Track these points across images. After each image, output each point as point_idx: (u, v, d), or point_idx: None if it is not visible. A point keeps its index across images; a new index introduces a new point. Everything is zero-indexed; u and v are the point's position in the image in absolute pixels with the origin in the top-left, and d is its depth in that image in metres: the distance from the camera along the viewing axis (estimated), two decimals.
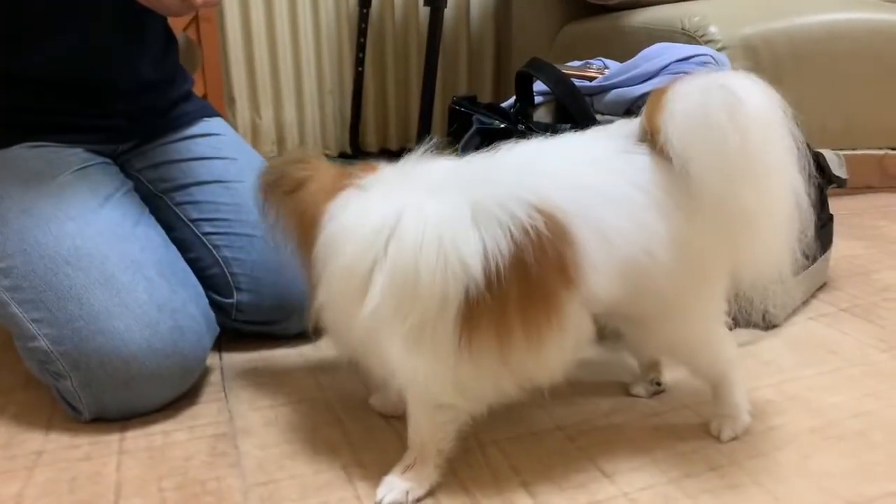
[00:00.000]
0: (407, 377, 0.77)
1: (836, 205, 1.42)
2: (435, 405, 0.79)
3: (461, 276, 0.72)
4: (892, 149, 2.12)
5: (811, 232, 0.81)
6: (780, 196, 0.77)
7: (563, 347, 0.77)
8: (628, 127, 0.82)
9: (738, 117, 0.72)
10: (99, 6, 1.06)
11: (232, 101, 2.40)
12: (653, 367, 1.03)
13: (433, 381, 0.76)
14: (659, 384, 1.03)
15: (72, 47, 1.06)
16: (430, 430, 0.81)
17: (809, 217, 0.80)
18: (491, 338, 0.74)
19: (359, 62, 2.37)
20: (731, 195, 0.74)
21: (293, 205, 0.84)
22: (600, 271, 0.75)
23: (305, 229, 0.82)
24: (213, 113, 1.30)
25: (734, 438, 0.91)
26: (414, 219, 0.74)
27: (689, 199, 0.75)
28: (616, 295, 0.77)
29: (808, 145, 1.31)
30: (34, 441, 0.94)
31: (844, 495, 0.81)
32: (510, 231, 0.72)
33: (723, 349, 0.89)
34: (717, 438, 0.92)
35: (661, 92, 0.78)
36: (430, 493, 0.82)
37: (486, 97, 2.66)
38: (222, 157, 1.22)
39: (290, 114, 2.47)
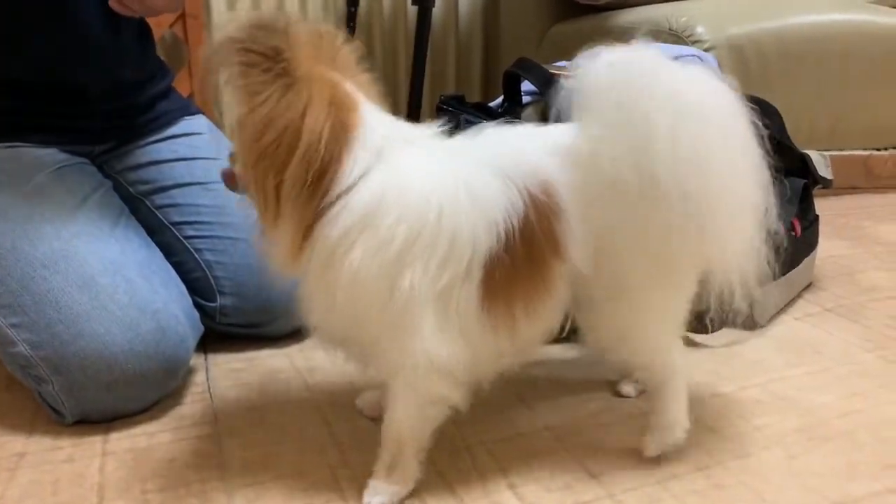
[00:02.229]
0: (428, 357, 0.74)
1: (821, 205, 1.43)
2: (430, 398, 0.78)
3: (490, 230, 0.72)
4: (878, 150, 2.13)
5: (779, 229, 0.79)
6: (727, 189, 0.73)
7: (550, 317, 0.80)
8: None
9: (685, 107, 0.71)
10: (75, 4, 1.05)
11: (221, 104, 2.38)
12: None
13: (454, 355, 0.74)
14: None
15: (45, 46, 1.05)
16: (416, 425, 0.80)
17: (772, 211, 0.77)
18: (501, 303, 0.75)
19: None
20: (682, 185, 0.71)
21: (268, 103, 0.69)
22: (579, 244, 0.75)
23: (283, 150, 0.70)
24: (194, 111, 1.29)
25: (659, 455, 0.87)
26: (453, 181, 0.74)
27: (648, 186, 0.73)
28: (588, 271, 0.77)
29: (794, 146, 1.32)
30: (16, 443, 0.93)
31: (831, 495, 0.81)
32: (522, 193, 0.73)
33: (671, 355, 0.86)
34: (643, 451, 0.87)
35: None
36: (415, 491, 0.81)
37: (474, 96, 2.65)
38: (203, 157, 1.20)
39: None
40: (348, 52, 0.79)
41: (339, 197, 0.71)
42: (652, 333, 0.85)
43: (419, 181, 0.74)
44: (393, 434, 0.80)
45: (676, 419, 0.87)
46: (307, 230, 0.72)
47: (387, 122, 0.77)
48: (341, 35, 0.78)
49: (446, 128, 0.81)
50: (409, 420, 0.80)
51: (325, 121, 0.70)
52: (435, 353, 0.74)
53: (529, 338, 0.81)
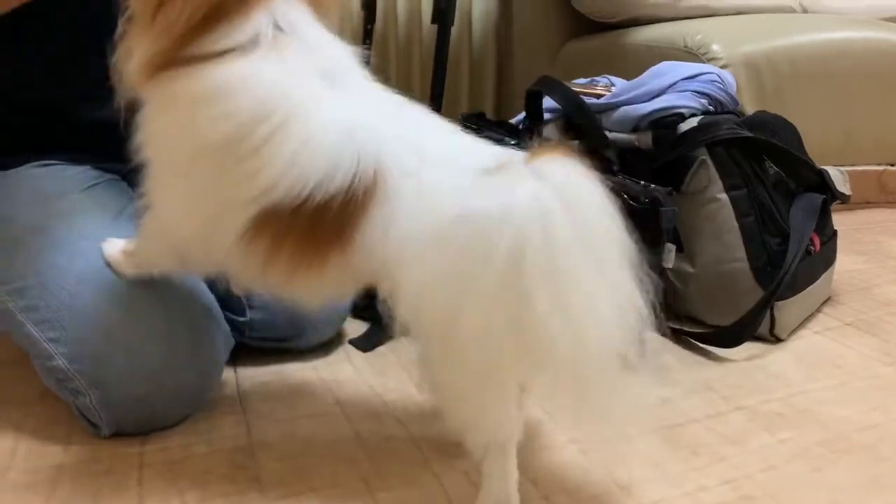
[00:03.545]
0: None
1: (836, 219, 1.44)
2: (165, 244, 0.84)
3: (298, 178, 0.69)
4: (891, 164, 2.15)
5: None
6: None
7: (318, 291, 0.78)
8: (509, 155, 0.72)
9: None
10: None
11: None
12: None
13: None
14: None
15: (92, 75, 1.06)
16: (147, 252, 0.89)
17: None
18: (264, 249, 0.73)
19: None
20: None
21: None
22: (369, 247, 0.71)
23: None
24: None
25: None
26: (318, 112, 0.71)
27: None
28: (383, 279, 0.73)
29: (812, 162, 1.34)
30: (55, 455, 0.94)
31: None
32: (361, 164, 0.70)
33: (489, 419, 0.73)
34: None
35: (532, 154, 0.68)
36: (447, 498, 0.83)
37: (488, 113, 2.68)
38: None
39: None
40: None
41: (210, 55, 0.69)
42: (465, 385, 0.71)
43: (291, 87, 0.70)
44: (135, 244, 0.90)
45: (500, 501, 0.77)
46: (166, 62, 0.70)
47: (313, 28, 0.75)
48: None
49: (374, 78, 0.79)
50: (143, 246, 0.89)
51: None
52: (176, 228, 0.79)
53: (293, 291, 0.79)
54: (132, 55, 0.72)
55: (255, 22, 0.70)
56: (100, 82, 1.05)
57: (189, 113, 0.71)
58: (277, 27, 0.71)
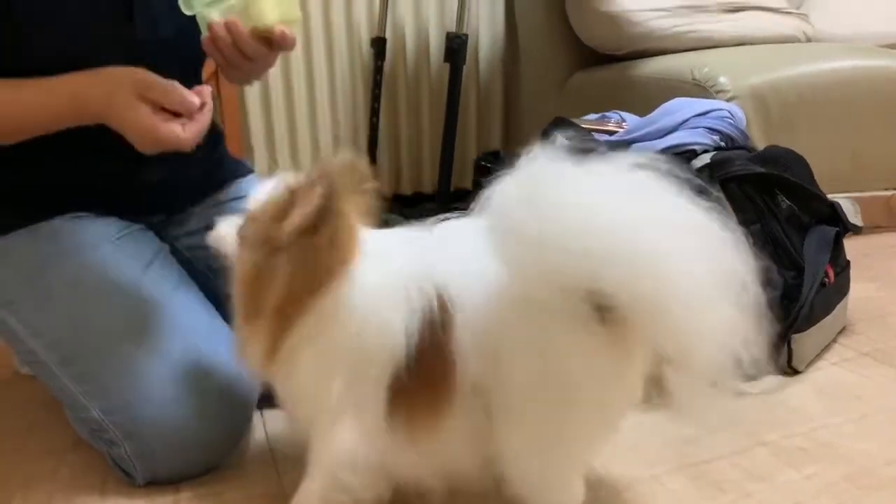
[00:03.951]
0: (338, 456, 0.81)
1: (846, 245, 1.46)
2: (335, 488, 0.84)
3: (393, 351, 0.76)
4: None
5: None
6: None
7: (461, 434, 0.78)
8: None
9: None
10: None
11: (250, 150, 2.45)
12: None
13: (363, 459, 0.81)
14: None
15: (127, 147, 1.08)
16: (318, 495, 0.86)
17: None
18: (404, 417, 0.78)
19: (374, 112, 2.43)
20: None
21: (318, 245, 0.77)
22: (471, 357, 0.75)
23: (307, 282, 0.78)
24: (246, 171, 1.33)
25: None
26: (368, 294, 0.79)
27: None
28: (487, 384, 0.76)
29: (824, 194, 1.36)
30: (91, 503, 0.96)
31: None
32: (424, 308, 0.76)
33: (559, 491, 0.81)
34: None
35: None
36: None
37: (494, 146, 2.71)
38: None
39: (306, 162, 2.52)
40: (367, 183, 0.85)
41: (311, 305, 0.79)
42: (537, 463, 0.78)
43: (355, 300, 0.79)
44: (302, 489, 0.87)
45: None
46: (279, 333, 0.80)
47: (374, 239, 0.83)
48: (364, 165, 0.84)
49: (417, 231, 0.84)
50: (313, 487, 0.86)
51: (337, 264, 0.78)
52: (345, 455, 0.81)
53: (440, 455, 0.80)
54: (249, 346, 0.82)
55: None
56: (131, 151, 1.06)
57: (305, 352, 0.80)
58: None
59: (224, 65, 1.00)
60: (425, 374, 0.76)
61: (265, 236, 0.78)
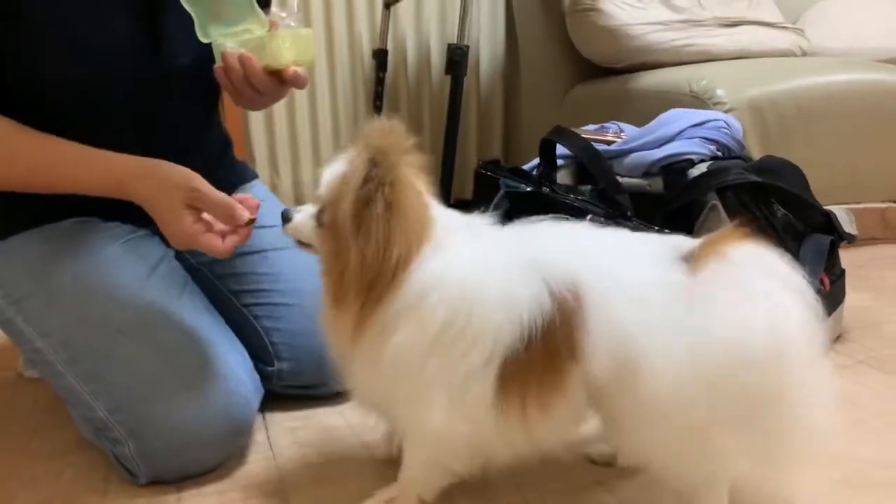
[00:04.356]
0: (436, 434, 0.82)
1: (841, 256, 1.47)
2: (433, 465, 0.86)
3: (514, 328, 0.76)
4: (894, 202, 2.19)
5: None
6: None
7: (567, 418, 0.82)
8: (681, 242, 0.82)
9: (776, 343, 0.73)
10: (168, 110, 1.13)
11: (252, 161, 2.47)
12: None
13: (460, 438, 0.81)
14: None
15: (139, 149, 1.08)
16: (419, 481, 0.89)
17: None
18: (516, 399, 0.79)
19: None
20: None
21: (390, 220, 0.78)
22: (597, 355, 0.76)
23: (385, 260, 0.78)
24: (251, 176, 1.35)
25: None
26: (485, 272, 0.80)
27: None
28: (606, 383, 0.78)
29: (819, 204, 1.38)
30: (94, 502, 0.97)
31: None
32: (551, 293, 0.77)
33: (697, 469, 0.81)
34: None
35: (716, 242, 0.79)
36: None
37: (494, 155, 2.74)
38: (261, 225, 1.26)
39: (307, 174, 2.54)
40: (409, 143, 0.84)
41: (400, 279, 0.79)
42: (670, 459, 0.80)
43: (459, 272, 0.80)
44: (402, 479, 0.90)
45: None
46: (369, 311, 0.80)
47: (446, 214, 0.85)
48: (402, 127, 0.84)
49: (496, 218, 0.87)
50: (413, 475, 0.89)
51: (412, 239, 0.79)
52: (443, 433, 0.81)
53: (545, 435, 0.83)
54: (336, 329, 0.84)
55: (422, 254, 0.80)
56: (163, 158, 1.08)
57: (399, 329, 0.79)
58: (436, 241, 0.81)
59: (234, 94, 1.04)
60: (547, 360, 0.77)
61: (334, 218, 0.80)
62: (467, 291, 0.79)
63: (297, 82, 1.00)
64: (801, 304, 0.75)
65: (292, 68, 0.98)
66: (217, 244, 0.93)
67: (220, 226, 0.95)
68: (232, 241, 0.94)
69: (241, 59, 0.97)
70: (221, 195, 0.94)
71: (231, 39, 0.98)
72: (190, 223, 0.92)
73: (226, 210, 0.93)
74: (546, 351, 0.77)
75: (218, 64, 0.99)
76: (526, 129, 2.54)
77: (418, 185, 0.83)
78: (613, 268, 0.79)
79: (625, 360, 0.76)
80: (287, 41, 0.97)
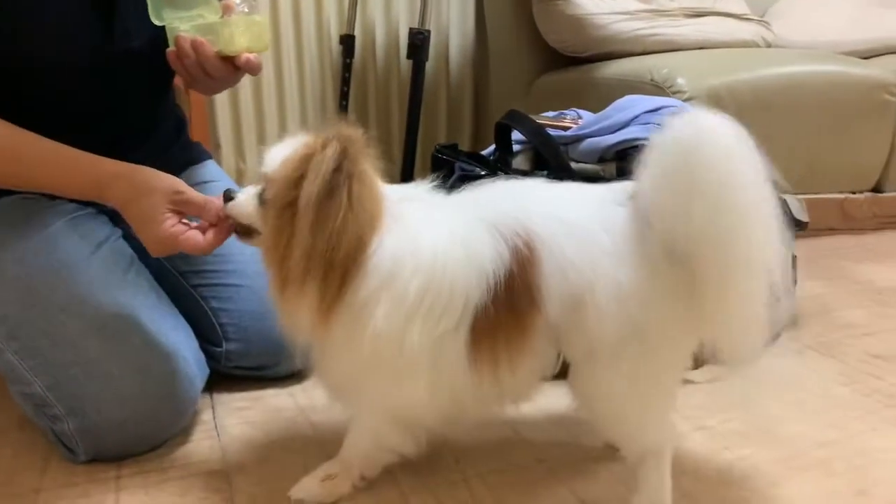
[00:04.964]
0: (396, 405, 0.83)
1: (800, 246, 1.49)
2: (382, 445, 0.89)
3: (481, 282, 0.77)
4: (853, 192, 2.22)
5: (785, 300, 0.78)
6: (750, 260, 0.73)
7: (533, 368, 0.83)
8: (628, 186, 0.81)
9: (703, 170, 0.71)
10: (115, 117, 1.12)
11: (217, 147, 2.45)
12: None
13: (431, 409, 0.83)
14: None
15: (103, 131, 1.09)
16: (362, 460, 0.90)
17: (785, 283, 0.77)
18: (486, 352, 0.79)
19: (342, 109, 2.44)
20: (697, 251, 0.72)
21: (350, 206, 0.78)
22: (553, 299, 0.78)
23: (347, 244, 0.78)
24: (204, 157, 1.34)
25: None
26: (450, 234, 0.80)
27: (654, 256, 0.75)
28: (563, 327, 0.79)
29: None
30: (32, 480, 0.96)
31: None
32: (508, 244, 0.78)
33: (650, 430, 0.83)
34: None
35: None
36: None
37: (464, 144, 2.74)
38: None
39: None
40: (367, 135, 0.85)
41: (362, 262, 0.78)
42: (630, 405, 0.82)
43: (427, 238, 0.80)
44: (344, 456, 0.91)
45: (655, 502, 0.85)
46: (333, 297, 0.79)
47: (398, 191, 0.85)
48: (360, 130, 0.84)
49: (438, 182, 0.87)
50: (358, 452, 0.91)
51: (366, 223, 0.79)
52: (427, 402, 0.82)
53: (513, 387, 0.84)
54: (293, 313, 0.81)
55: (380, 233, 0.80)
56: (117, 139, 1.07)
57: (378, 306, 0.78)
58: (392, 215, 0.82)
59: (186, 77, 1.03)
60: (510, 311, 0.78)
61: (287, 199, 0.79)
62: (438, 256, 0.79)
63: (251, 68, 1.00)
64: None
65: (245, 55, 0.98)
66: (199, 240, 0.92)
67: (195, 223, 0.94)
68: (213, 235, 0.92)
69: (195, 45, 0.97)
70: (203, 195, 0.94)
71: (185, 23, 0.98)
72: (170, 226, 0.91)
73: (210, 206, 0.92)
74: (509, 303, 0.78)
75: (171, 48, 0.99)
76: (494, 117, 2.49)
77: (376, 177, 0.83)
78: (561, 213, 0.80)
79: (576, 300, 0.77)
80: (241, 27, 0.98)
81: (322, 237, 0.77)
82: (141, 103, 1.18)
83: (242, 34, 0.98)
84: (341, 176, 0.77)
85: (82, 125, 1.01)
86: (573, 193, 0.85)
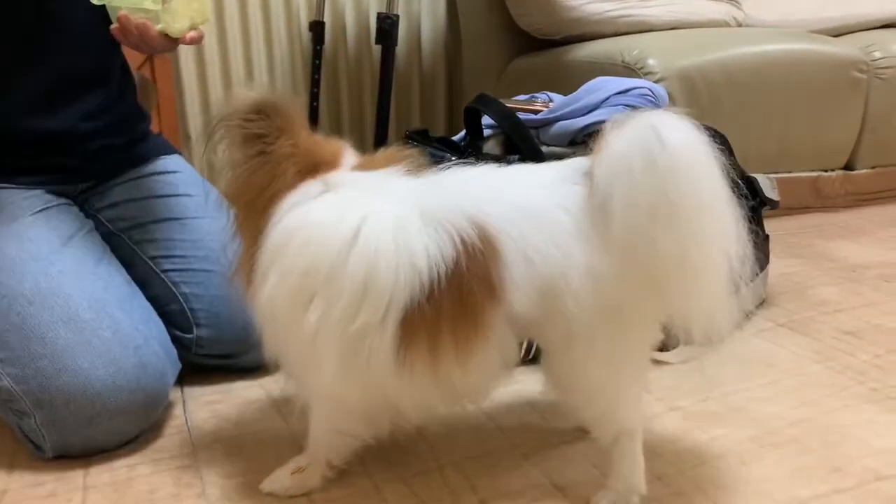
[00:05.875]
0: (327, 392, 0.83)
1: (773, 225, 1.50)
2: (334, 429, 0.88)
3: (410, 278, 0.74)
4: (826, 171, 2.23)
5: (748, 283, 0.76)
6: (707, 244, 0.72)
7: (489, 363, 0.80)
8: (582, 162, 0.80)
9: (658, 162, 0.69)
10: (60, 48, 1.10)
11: (187, 138, 2.42)
12: None
13: (359, 399, 0.82)
14: None
15: (30, 93, 1.10)
16: (324, 445, 0.90)
17: (746, 267, 0.75)
18: (424, 349, 0.76)
19: (313, 97, 2.42)
20: (650, 239, 0.70)
21: (255, 170, 0.82)
22: (520, 288, 0.75)
23: (256, 209, 0.82)
24: (170, 150, 1.33)
25: None
26: (374, 223, 0.77)
27: (611, 235, 0.73)
28: (532, 315, 0.77)
29: (742, 170, 1.39)
30: None
31: (780, 498, 0.87)
32: (451, 239, 0.75)
33: (624, 410, 0.83)
34: None
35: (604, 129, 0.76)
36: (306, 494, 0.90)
37: (439, 130, 2.72)
38: (179, 193, 1.24)
39: None
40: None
41: (267, 233, 0.80)
42: (603, 385, 0.81)
43: (324, 217, 0.78)
44: (309, 445, 0.91)
45: (630, 483, 0.84)
46: (250, 257, 0.82)
47: (344, 172, 0.84)
48: (299, 100, 0.88)
49: (410, 168, 0.85)
50: (318, 440, 0.90)
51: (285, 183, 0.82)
52: (337, 394, 0.81)
53: (467, 385, 0.82)
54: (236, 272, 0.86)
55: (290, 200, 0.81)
56: (45, 93, 1.09)
57: (268, 277, 0.79)
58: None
59: (131, 48, 1.06)
60: (458, 307, 0.75)
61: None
62: (336, 234, 0.77)
63: (194, 43, 1.04)
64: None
65: (189, 34, 1.01)
66: None
67: None
68: None
69: (138, 27, 0.99)
70: None
71: (124, 5, 0.98)
72: None
73: None
74: (456, 297, 0.75)
75: (114, 26, 0.99)
76: (468, 102, 2.52)
77: (309, 142, 0.84)
78: (516, 198, 0.78)
79: (548, 286, 0.75)
80: (181, 8, 0.99)
81: (241, 199, 0.83)
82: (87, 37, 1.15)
83: (184, 16, 1.00)
84: (258, 141, 0.81)
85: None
86: (525, 176, 0.82)
